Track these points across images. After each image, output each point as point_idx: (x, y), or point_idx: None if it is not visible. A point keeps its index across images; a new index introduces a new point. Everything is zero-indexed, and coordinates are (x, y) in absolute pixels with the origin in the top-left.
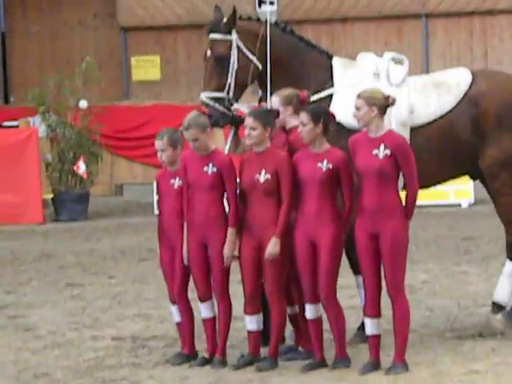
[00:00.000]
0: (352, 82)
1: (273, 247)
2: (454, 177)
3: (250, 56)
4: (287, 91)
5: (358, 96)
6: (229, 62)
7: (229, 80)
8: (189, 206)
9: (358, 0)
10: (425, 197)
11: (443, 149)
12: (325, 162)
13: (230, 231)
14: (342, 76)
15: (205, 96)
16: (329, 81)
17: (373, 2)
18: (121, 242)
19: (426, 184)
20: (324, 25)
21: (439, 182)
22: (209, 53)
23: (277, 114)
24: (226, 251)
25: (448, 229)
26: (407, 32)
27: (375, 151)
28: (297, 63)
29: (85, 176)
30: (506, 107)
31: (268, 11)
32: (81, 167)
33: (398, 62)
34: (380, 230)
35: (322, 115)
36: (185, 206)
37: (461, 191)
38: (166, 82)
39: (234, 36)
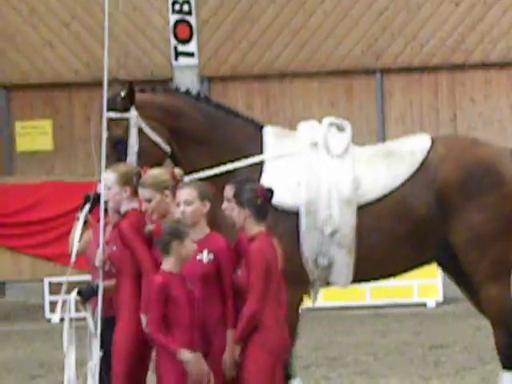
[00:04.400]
0: (283, 153)
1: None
2: (415, 265)
3: (153, 137)
4: (125, 168)
5: (143, 185)
6: (127, 145)
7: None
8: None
9: (297, 52)
10: (383, 295)
11: (398, 229)
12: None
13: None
14: (274, 147)
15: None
16: (258, 153)
17: (315, 55)
18: (4, 356)
19: (379, 275)
20: (256, 82)
21: (395, 273)
22: (104, 135)
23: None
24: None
25: (413, 334)
26: (358, 91)
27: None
28: (217, 137)
29: None
30: (469, 174)
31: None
32: None
33: (339, 128)
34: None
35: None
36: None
37: (426, 287)
38: (60, 152)
39: (133, 113)
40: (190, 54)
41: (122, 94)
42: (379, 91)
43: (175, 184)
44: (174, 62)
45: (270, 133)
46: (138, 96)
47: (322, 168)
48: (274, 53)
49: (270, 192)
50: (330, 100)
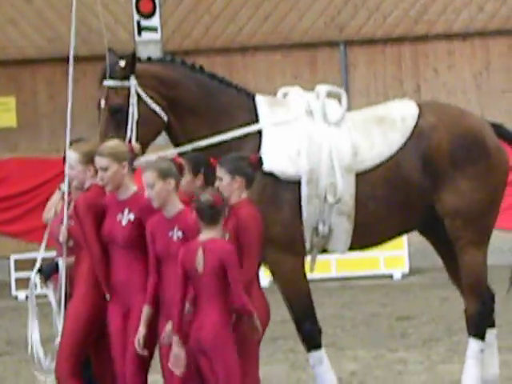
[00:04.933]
0: (281, 121)
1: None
2: (403, 231)
3: (153, 105)
4: (88, 146)
5: (101, 154)
6: (127, 114)
7: (128, 135)
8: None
9: (260, 25)
10: (349, 267)
11: (392, 196)
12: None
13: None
14: (269, 115)
15: None
16: (253, 122)
17: (278, 28)
18: None
19: (372, 242)
20: (219, 55)
21: (386, 240)
22: (103, 103)
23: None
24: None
25: (379, 306)
26: (322, 63)
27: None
28: (213, 106)
29: None
30: (460, 143)
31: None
32: None
33: (335, 96)
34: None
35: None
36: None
37: (393, 259)
38: (24, 129)
39: (133, 82)
40: (153, 29)
41: (122, 62)
42: (343, 63)
43: (132, 158)
44: (137, 37)
45: (262, 102)
46: (139, 66)
47: (320, 136)
48: (237, 26)
49: (260, 160)
50: (293, 73)
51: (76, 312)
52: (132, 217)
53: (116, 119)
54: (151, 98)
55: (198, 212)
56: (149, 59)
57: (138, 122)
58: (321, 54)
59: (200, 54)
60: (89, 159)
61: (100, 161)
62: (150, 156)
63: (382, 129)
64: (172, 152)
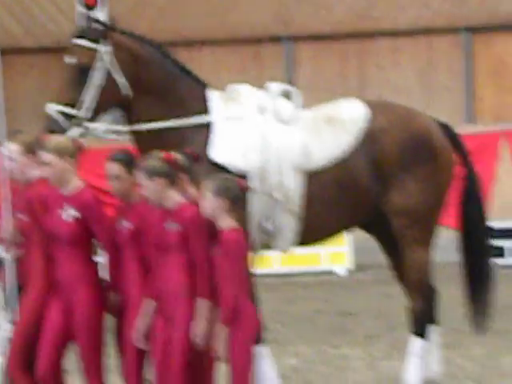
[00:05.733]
0: (234, 116)
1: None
2: (347, 229)
3: (118, 77)
4: (28, 137)
5: (45, 148)
6: (89, 76)
7: (86, 97)
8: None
9: (206, 19)
10: (291, 262)
11: (340, 197)
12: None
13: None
14: (222, 109)
15: (52, 109)
16: (206, 114)
17: (224, 22)
18: None
19: (316, 239)
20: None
21: (330, 237)
22: (67, 59)
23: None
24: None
25: (322, 302)
26: (266, 58)
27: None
28: (170, 93)
29: None
30: (409, 146)
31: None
32: None
33: (286, 94)
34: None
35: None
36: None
37: (336, 255)
38: None
39: (104, 48)
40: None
41: (97, 25)
42: (288, 59)
43: (77, 153)
44: None
45: (216, 95)
46: (116, 36)
47: (271, 133)
48: (183, 20)
49: (196, 155)
50: (238, 68)
51: (29, 307)
52: (75, 213)
53: (78, 78)
54: (120, 69)
55: (234, 200)
56: (131, 35)
57: (99, 88)
58: (266, 49)
59: None
60: (30, 149)
61: (43, 155)
62: (98, 125)
63: (332, 129)
64: (124, 129)
